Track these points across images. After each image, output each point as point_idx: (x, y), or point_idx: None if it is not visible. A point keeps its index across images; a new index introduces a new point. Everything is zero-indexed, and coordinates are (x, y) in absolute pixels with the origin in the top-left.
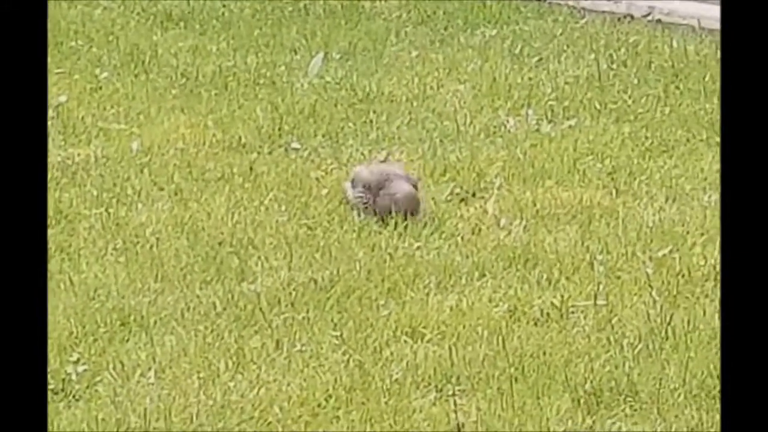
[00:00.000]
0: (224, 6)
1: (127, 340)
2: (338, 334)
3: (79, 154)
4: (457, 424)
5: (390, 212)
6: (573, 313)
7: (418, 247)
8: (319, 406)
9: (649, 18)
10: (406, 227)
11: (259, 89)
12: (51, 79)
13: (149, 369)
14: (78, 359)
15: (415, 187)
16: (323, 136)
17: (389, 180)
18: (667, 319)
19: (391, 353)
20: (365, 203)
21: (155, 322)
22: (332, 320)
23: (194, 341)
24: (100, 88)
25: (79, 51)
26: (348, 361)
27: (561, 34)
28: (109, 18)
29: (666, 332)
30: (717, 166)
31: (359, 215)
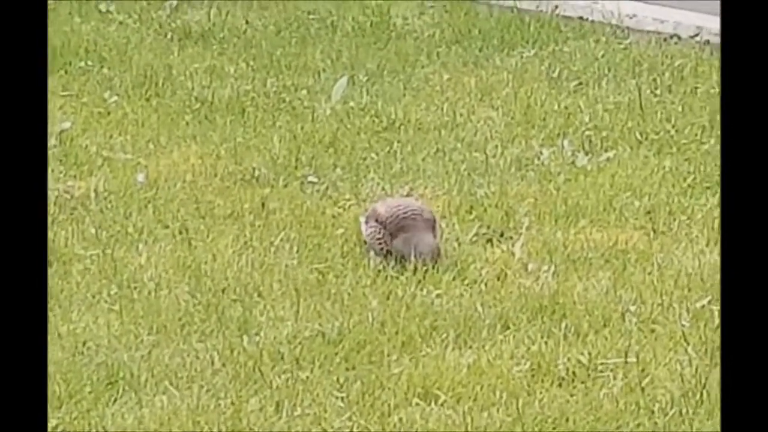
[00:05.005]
0: (247, 23)
1: (114, 401)
2: (344, 395)
3: (79, 187)
4: None
5: (406, 257)
6: (601, 372)
7: (438, 295)
8: None
9: (697, 39)
10: (426, 273)
11: (278, 115)
12: (57, 102)
13: None
14: (57, 425)
15: (433, 228)
16: (342, 168)
17: (408, 225)
18: (703, 381)
19: (400, 419)
20: (380, 242)
21: (146, 381)
22: (338, 380)
23: (187, 403)
24: (108, 113)
25: (89, 72)
26: (352, 428)
27: (602, 56)
28: (124, 35)
29: (701, 396)
30: None
31: (375, 255)
